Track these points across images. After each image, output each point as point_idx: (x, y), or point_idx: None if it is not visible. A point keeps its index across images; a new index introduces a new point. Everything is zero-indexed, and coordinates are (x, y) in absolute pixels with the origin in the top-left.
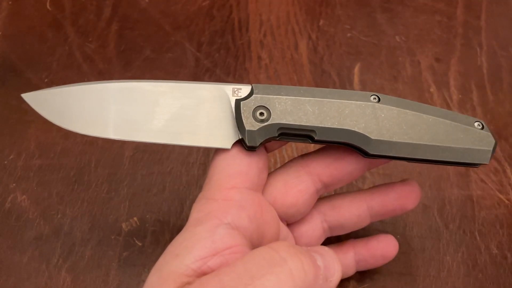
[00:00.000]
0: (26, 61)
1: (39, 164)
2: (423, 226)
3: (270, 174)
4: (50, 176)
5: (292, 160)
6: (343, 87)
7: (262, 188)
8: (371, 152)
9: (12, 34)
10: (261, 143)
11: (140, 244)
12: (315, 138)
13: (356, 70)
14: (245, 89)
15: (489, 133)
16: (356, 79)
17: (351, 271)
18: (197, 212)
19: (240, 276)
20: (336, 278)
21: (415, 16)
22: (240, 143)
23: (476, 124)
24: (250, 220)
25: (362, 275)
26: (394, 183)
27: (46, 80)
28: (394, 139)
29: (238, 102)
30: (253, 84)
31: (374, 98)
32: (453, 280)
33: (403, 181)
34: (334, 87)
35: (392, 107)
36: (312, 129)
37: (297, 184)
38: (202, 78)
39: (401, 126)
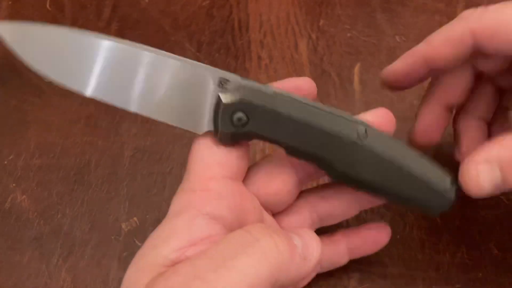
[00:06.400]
0: None
1: (39, 164)
2: (423, 226)
3: (253, 164)
4: (50, 176)
5: (275, 151)
6: (343, 87)
7: (243, 176)
8: (334, 179)
9: None
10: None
11: (140, 244)
12: (285, 152)
13: (356, 70)
14: (232, 83)
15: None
16: (356, 79)
17: (344, 260)
18: (175, 204)
19: (212, 259)
20: (315, 257)
21: (415, 16)
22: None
23: (448, 180)
24: (230, 210)
25: (361, 275)
26: None
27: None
28: (361, 177)
29: (219, 99)
30: (241, 79)
31: (362, 130)
32: (453, 280)
33: None
34: (334, 87)
35: (374, 151)
36: (285, 145)
37: (280, 174)
38: None
39: (375, 168)
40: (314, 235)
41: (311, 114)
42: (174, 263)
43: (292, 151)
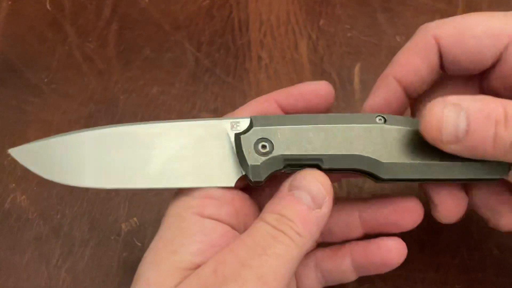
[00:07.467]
0: (26, 61)
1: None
2: (422, 226)
3: None
4: None
5: None
6: (343, 87)
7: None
8: (383, 177)
9: (12, 34)
10: (266, 177)
11: (139, 244)
12: (323, 166)
13: (356, 70)
14: (243, 122)
15: None
16: (356, 79)
17: (350, 277)
18: (175, 208)
19: (252, 249)
20: (328, 201)
21: (415, 16)
22: (244, 179)
23: None
24: (230, 215)
25: (361, 276)
26: (393, 197)
27: (45, 80)
28: (405, 161)
29: (237, 136)
30: (251, 116)
31: (380, 119)
32: (453, 281)
33: (404, 196)
34: (334, 87)
35: (400, 127)
36: (318, 158)
37: None
38: (202, 78)
39: (411, 146)
40: (317, 177)
41: (330, 118)
42: (198, 266)
43: (327, 161)
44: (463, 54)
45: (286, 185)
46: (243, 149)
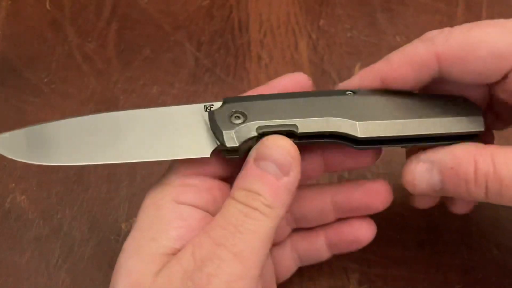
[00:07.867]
0: (26, 61)
1: (38, 164)
2: (422, 226)
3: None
4: (50, 176)
5: None
6: None
7: (225, 173)
8: (360, 136)
9: (11, 34)
10: (242, 146)
11: None
12: (298, 132)
13: (356, 70)
14: (217, 104)
15: (474, 103)
16: None
17: (324, 256)
18: (152, 197)
19: (225, 228)
20: (295, 166)
21: (415, 16)
22: (220, 154)
23: (458, 100)
24: (208, 202)
25: (361, 276)
26: (363, 181)
27: (45, 80)
28: (379, 120)
29: (211, 112)
30: (224, 98)
31: (350, 94)
32: (453, 281)
33: (373, 180)
34: (334, 87)
35: (371, 96)
36: (292, 123)
37: None
38: (202, 78)
39: (384, 108)
40: (281, 143)
41: (302, 93)
42: (178, 251)
43: (302, 126)
44: (466, 75)
45: (251, 155)
46: (217, 121)
